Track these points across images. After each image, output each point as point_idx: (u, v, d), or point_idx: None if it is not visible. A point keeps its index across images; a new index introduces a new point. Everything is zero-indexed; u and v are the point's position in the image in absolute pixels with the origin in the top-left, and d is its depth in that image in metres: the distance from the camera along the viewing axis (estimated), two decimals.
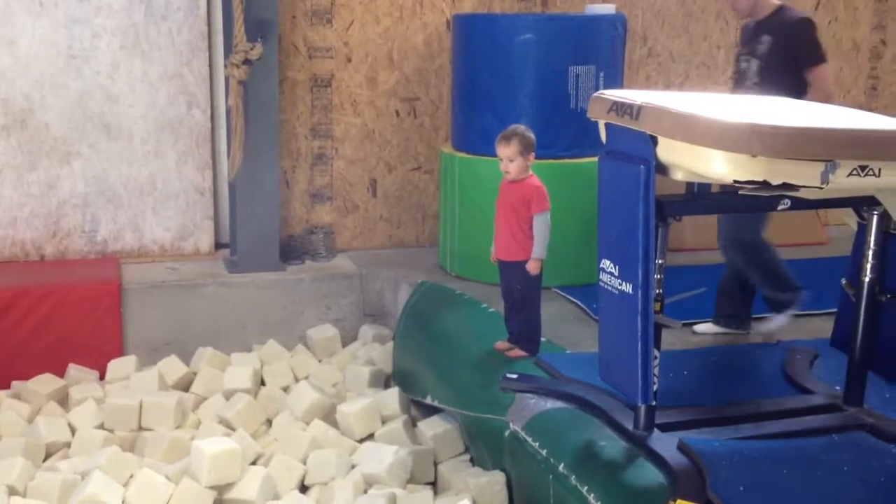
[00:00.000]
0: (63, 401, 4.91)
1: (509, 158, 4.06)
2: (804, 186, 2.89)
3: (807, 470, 3.10)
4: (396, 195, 6.34)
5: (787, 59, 4.30)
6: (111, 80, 5.63)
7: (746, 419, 3.47)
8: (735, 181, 2.83)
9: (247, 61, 5.25)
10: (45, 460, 4.35)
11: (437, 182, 6.16)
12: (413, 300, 5.18)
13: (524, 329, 4.22)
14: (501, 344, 4.28)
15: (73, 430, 4.53)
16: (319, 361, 5.40)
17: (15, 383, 5.02)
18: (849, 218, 3.59)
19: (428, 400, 4.52)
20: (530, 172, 4.11)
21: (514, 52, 5.16)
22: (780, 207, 3.11)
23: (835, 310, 4.22)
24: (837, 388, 3.70)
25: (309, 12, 5.94)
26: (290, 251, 5.98)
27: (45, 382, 4.97)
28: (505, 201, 4.15)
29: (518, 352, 4.21)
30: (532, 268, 4.07)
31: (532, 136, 4.09)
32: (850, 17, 7.11)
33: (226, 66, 5.38)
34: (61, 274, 5.43)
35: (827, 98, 4.20)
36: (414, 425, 4.55)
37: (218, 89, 5.86)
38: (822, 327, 4.50)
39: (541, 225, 4.05)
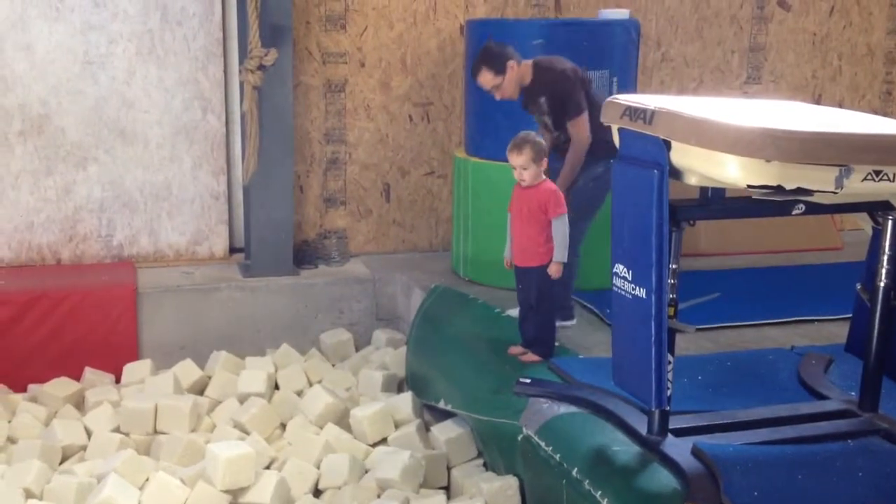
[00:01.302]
0: (79, 404, 4.94)
1: (523, 167, 4.07)
2: (819, 191, 2.88)
3: (821, 475, 3.09)
4: (410, 200, 6.35)
5: (562, 110, 4.49)
6: (127, 85, 5.67)
7: (761, 424, 3.46)
8: (749, 186, 2.82)
9: (261, 67, 5.27)
10: (61, 463, 4.37)
11: (451, 186, 6.17)
12: (426, 304, 5.19)
13: (539, 333, 4.22)
14: (515, 349, 4.28)
15: (88, 434, 4.55)
16: (333, 366, 5.42)
17: (31, 386, 5.05)
18: (864, 223, 3.57)
19: (441, 404, 4.53)
20: (544, 177, 4.12)
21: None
22: (794, 212, 3.11)
23: (850, 315, 4.20)
24: (852, 393, 3.68)
25: (323, 18, 5.97)
26: (304, 255, 6.00)
27: (61, 386, 5.00)
28: (520, 207, 4.15)
29: (532, 356, 4.21)
30: (553, 271, 4.08)
31: (542, 141, 4.11)
32: (865, 21, 7.09)
33: (240, 71, 5.41)
34: (77, 278, 5.47)
35: (581, 150, 4.41)
36: (427, 430, 4.55)
37: (233, 94, 5.90)
38: (837, 332, 4.49)
39: (559, 228, 4.06)
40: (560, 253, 4.07)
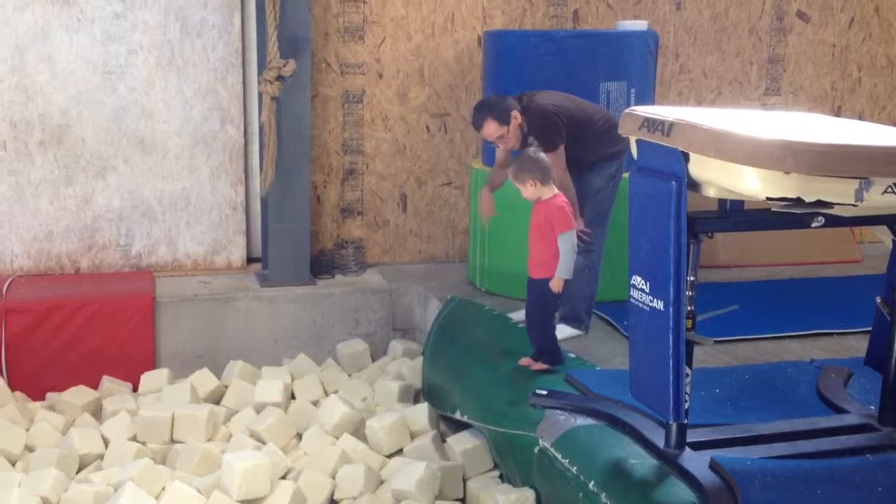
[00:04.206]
0: (97, 412, 4.96)
1: (524, 193, 4.13)
2: (838, 204, 2.86)
3: (840, 490, 3.06)
4: (426, 210, 6.36)
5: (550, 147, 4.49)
6: (146, 96, 5.71)
7: (779, 438, 3.43)
8: (768, 198, 2.81)
9: (280, 77, 5.30)
10: (78, 472, 4.39)
11: (468, 197, 6.17)
12: (442, 315, 5.18)
13: (542, 344, 4.23)
14: (525, 360, 4.29)
15: (106, 442, 4.57)
16: (349, 376, 5.42)
17: (50, 395, 5.08)
18: (883, 235, 3.55)
19: (457, 415, 4.52)
20: (555, 192, 4.12)
21: (545, 69, 5.16)
22: (813, 225, 3.08)
23: (869, 328, 4.16)
24: (872, 407, 3.65)
25: (341, 29, 6.00)
26: (321, 265, 6.02)
27: (79, 394, 5.03)
28: (535, 221, 4.17)
29: (541, 366, 4.22)
30: (555, 286, 4.07)
31: (540, 158, 4.10)
32: (885, 33, 7.05)
33: (259, 82, 5.44)
34: (96, 287, 5.49)
35: (560, 183, 4.43)
36: (443, 441, 4.54)
37: (251, 105, 5.93)
38: (856, 346, 4.45)
39: (564, 245, 4.04)
40: (563, 269, 4.06)
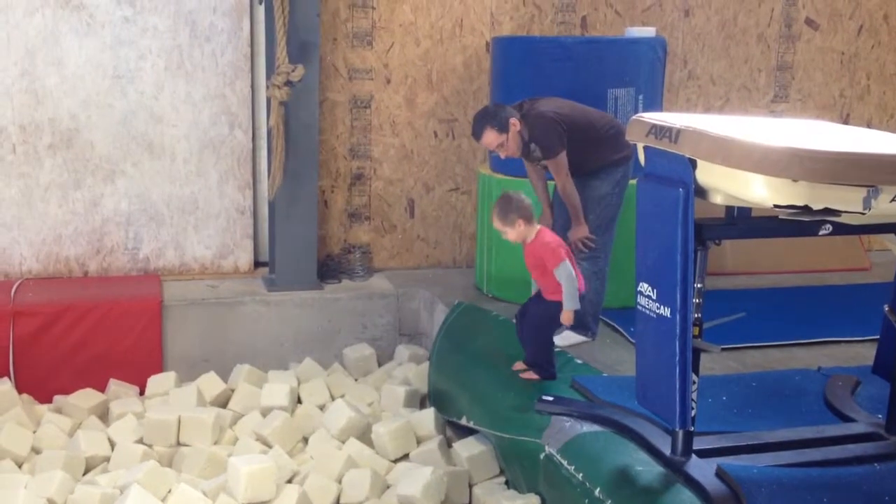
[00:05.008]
0: (103, 415, 4.97)
1: (505, 236, 4.14)
2: (846, 212, 2.86)
3: (847, 499, 3.05)
4: (434, 215, 6.37)
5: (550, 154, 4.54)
6: (155, 100, 5.73)
7: (786, 446, 3.42)
8: (775, 205, 2.81)
9: (288, 82, 5.31)
10: (84, 474, 4.40)
11: (475, 203, 6.18)
12: (449, 321, 5.18)
13: (535, 356, 4.25)
14: (519, 364, 4.29)
15: (112, 445, 4.58)
16: (355, 380, 5.42)
17: (57, 397, 5.09)
18: (891, 243, 3.54)
19: (463, 421, 4.52)
20: (537, 228, 4.13)
21: (553, 75, 5.17)
22: (821, 232, 3.08)
23: (877, 336, 4.15)
24: (879, 416, 3.64)
25: (350, 34, 6.01)
26: (328, 270, 6.02)
27: (86, 397, 5.04)
28: (528, 262, 4.20)
29: (531, 374, 4.22)
30: (565, 319, 4.08)
31: (521, 198, 4.10)
32: (894, 40, 7.04)
33: (268, 87, 5.45)
34: (104, 290, 5.51)
35: (565, 191, 4.52)
36: (449, 446, 4.54)
37: (260, 110, 5.94)
38: (864, 354, 4.44)
39: (563, 277, 4.04)
40: (569, 300, 4.05)
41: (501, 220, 4.10)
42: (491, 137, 4.50)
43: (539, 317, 4.18)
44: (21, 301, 5.25)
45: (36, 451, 4.55)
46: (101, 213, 5.78)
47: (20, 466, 4.44)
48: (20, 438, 4.52)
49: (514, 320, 4.39)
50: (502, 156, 4.64)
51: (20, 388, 5.06)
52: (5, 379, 5.04)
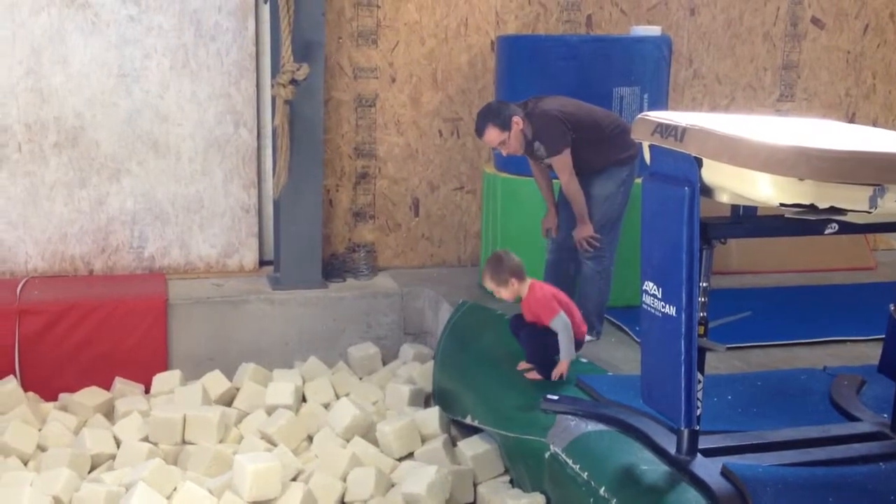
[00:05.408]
0: (109, 413, 4.98)
1: (498, 294, 4.17)
2: (852, 210, 2.85)
3: (852, 498, 3.05)
4: (439, 214, 6.37)
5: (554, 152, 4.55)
6: (160, 99, 5.74)
7: (791, 445, 3.42)
8: (781, 204, 2.80)
9: (293, 81, 5.32)
10: (90, 472, 4.41)
11: (480, 202, 6.18)
12: (454, 319, 5.18)
13: (533, 358, 4.25)
14: (523, 364, 4.29)
15: (117, 443, 4.59)
16: (360, 379, 5.42)
17: (62, 395, 5.10)
18: None
19: (468, 420, 4.52)
20: (528, 282, 4.14)
21: (558, 74, 5.17)
22: (827, 231, 3.07)
23: (883, 336, 4.14)
24: (885, 415, 3.63)
25: (355, 33, 6.02)
26: (333, 269, 6.03)
27: (91, 395, 5.05)
28: (528, 317, 4.21)
29: (535, 374, 4.22)
30: (558, 371, 4.10)
31: (511, 257, 4.13)
32: None
33: (273, 85, 5.46)
34: (109, 289, 5.52)
35: (568, 189, 4.54)
36: (454, 445, 4.54)
37: (264, 109, 5.95)
38: (869, 353, 4.43)
39: (560, 329, 4.05)
40: (565, 352, 4.07)
41: (494, 281, 4.14)
42: (493, 135, 4.50)
43: (545, 335, 4.15)
44: (27, 299, 5.26)
45: (41, 448, 4.56)
46: (106, 211, 5.78)
47: (26, 464, 4.45)
48: (26, 436, 4.53)
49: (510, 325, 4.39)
50: (504, 153, 4.64)
51: (26, 386, 5.07)
52: (11, 377, 5.05)
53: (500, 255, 4.18)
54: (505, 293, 4.15)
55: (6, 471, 4.24)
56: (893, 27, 6.99)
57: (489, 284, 4.18)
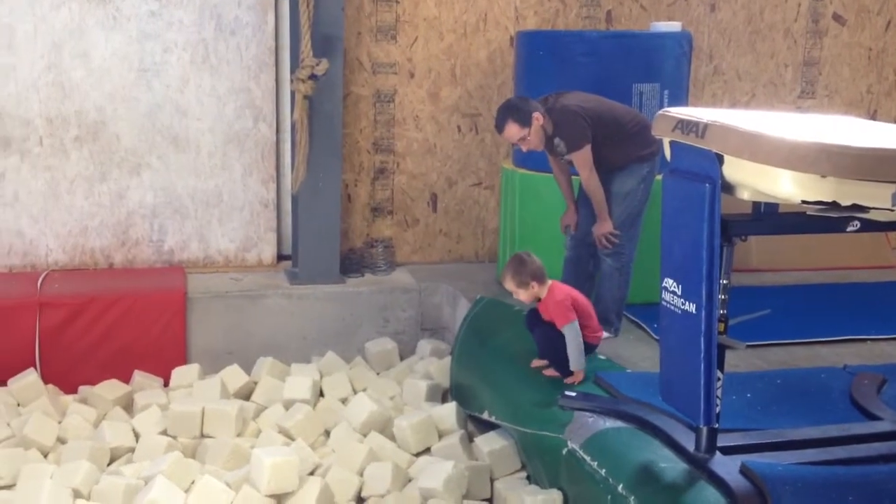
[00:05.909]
0: (128, 406, 5.01)
1: (517, 296, 4.15)
2: (874, 208, 2.83)
3: (873, 498, 3.03)
4: (457, 210, 6.36)
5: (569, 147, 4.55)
6: (180, 93, 5.76)
7: (811, 444, 3.40)
8: (803, 201, 2.78)
9: (313, 76, 5.32)
10: (109, 464, 4.43)
11: (498, 197, 6.17)
12: (471, 315, 5.18)
13: (546, 355, 4.25)
14: (538, 361, 4.28)
15: (137, 436, 4.62)
16: (377, 374, 5.43)
17: (82, 388, 5.13)
18: None
19: (485, 415, 4.51)
20: (549, 284, 4.12)
21: (577, 70, 5.15)
22: (849, 229, 3.06)
23: None
24: None
25: (374, 28, 6.02)
26: (351, 264, 6.04)
27: (111, 388, 5.08)
28: (544, 315, 4.19)
29: (552, 371, 4.21)
30: (574, 380, 4.09)
31: (532, 259, 4.10)
32: None
33: (292, 80, 5.46)
34: (129, 282, 5.55)
35: (588, 184, 4.55)
36: (471, 440, 4.54)
37: (284, 103, 5.96)
38: (890, 352, 4.41)
39: (570, 337, 4.04)
40: (574, 361, 4.06)
41: (514, 283, 4.11)
42: (513, 131, 4.50)
43: (560, 339, 4.14)
44: (47, 292, 5.30)
45: (61, 441, 4.59)
46: (126, 205, 5.81)
47: (46, 456, 4.48)
48: (46, 428, 4.56)
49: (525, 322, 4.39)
50: (524, 149, 4.64)
51: (46, 379, 5.10)
52: (31, 369, 5.08)
53: (522, 257, 4.14)
54: (523, 295, 4.13)
55: (26, 463, 4.28)
56: None
57: (508, 285, 4.16)
